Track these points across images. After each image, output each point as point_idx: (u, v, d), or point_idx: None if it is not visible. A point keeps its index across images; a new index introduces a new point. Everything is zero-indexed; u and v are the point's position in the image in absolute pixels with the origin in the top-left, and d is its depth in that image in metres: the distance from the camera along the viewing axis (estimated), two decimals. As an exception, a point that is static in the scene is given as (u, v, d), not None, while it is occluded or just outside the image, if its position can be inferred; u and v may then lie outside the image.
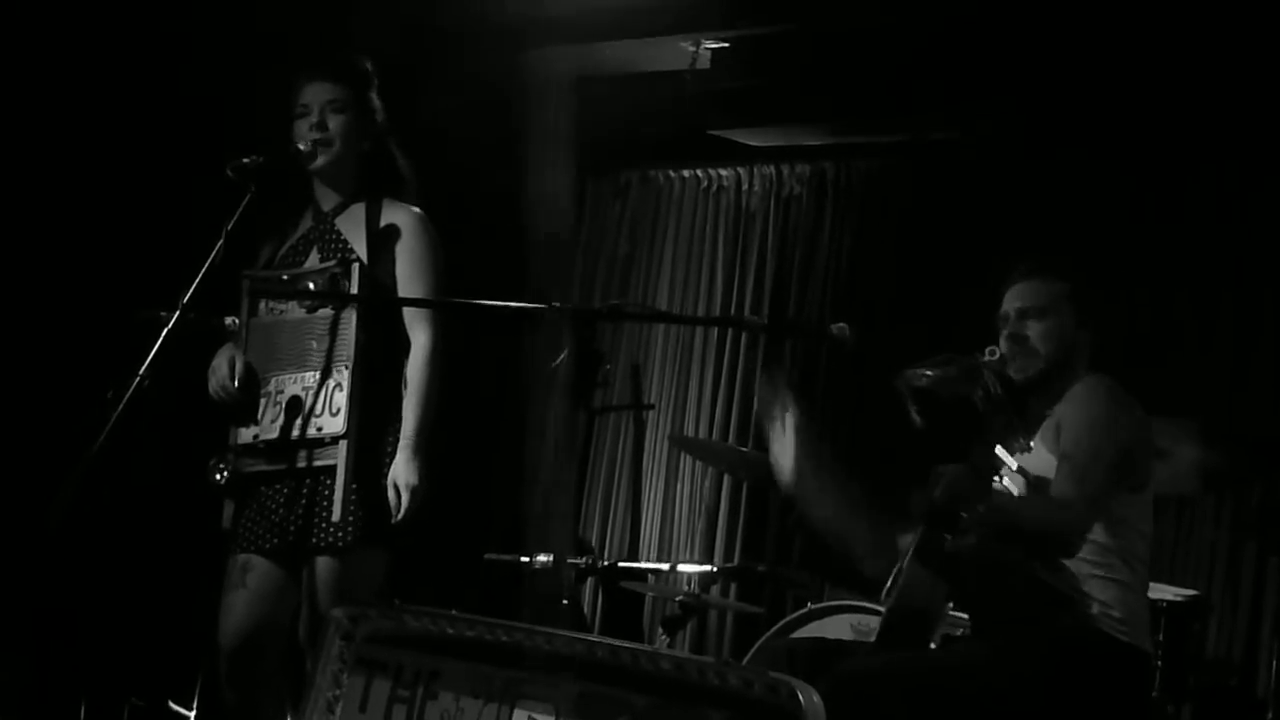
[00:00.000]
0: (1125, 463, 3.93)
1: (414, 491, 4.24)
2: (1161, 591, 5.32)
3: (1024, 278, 4.22)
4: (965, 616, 4.42)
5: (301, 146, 4.40)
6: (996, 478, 3.77)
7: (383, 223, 4.43)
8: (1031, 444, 3.91)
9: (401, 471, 4.26)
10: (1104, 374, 4.11)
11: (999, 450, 3.73)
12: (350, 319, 4.30)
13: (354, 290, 4.30)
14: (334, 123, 4.43)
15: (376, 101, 4.55)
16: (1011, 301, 4.20)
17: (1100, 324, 4.23)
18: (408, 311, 4.39)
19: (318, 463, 4.26)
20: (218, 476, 4.31)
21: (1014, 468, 3.75)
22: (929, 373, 3.88)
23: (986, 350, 3.97)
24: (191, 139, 5.93)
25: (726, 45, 6.94)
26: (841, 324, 3.90)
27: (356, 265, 4.30)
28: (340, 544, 4.21)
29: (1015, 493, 3.82)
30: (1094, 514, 3.86)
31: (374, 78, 4.56)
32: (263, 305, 4.43)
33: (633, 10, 6.75)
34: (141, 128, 6.29)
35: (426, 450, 4.30)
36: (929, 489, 3.80)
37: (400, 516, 4.24)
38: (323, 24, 6.12)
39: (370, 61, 4.57)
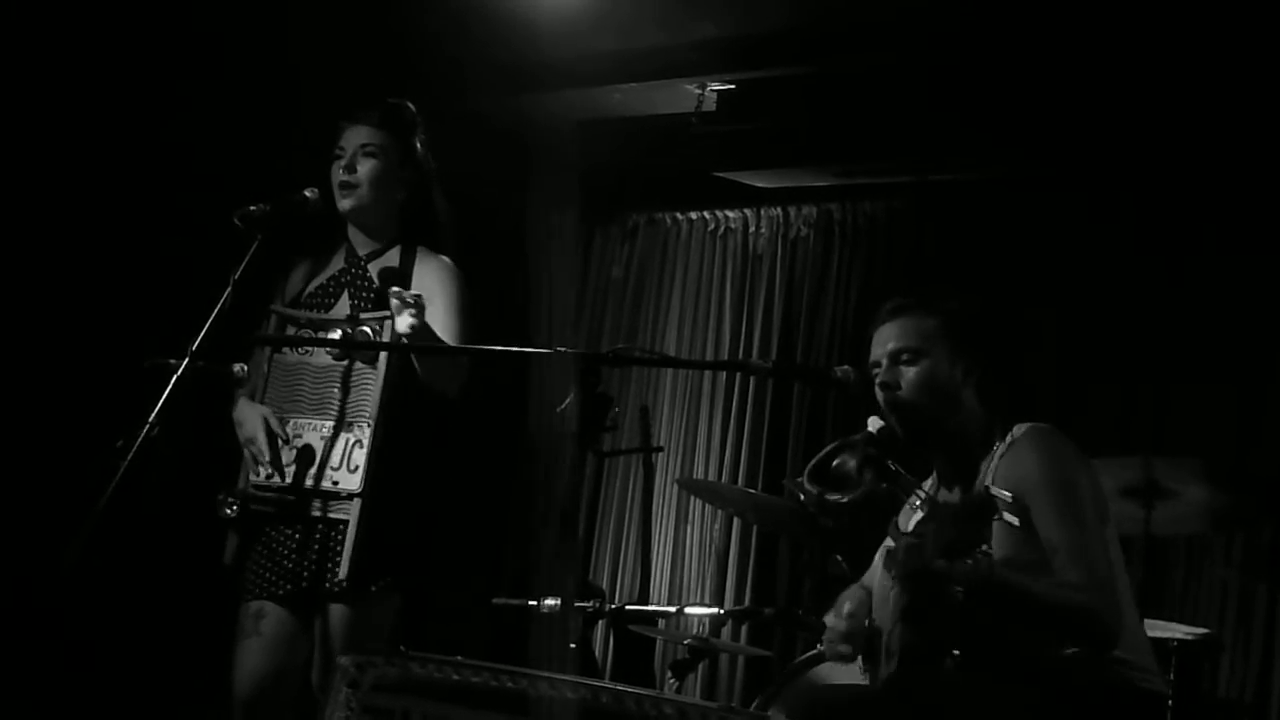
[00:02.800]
0: (1100, 513, 3.73)
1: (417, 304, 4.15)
2: (1173, 630, 5.31)
3: (891, 317, 3.92)
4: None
5: (308, 194, 4.41)
6: (995, 517, 3.53)
7: (416, 273, 4.44)
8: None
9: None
10: (1034, 424, 3.81)
11: (993, 489, 3.54)
12: (376, 375, 4.30)
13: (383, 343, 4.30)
14: (364, 167, 4.44)
15: (420, 148, 4.55)
16: (880, 346, 3.89)
17: (982, 357, 3.89)
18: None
19: (331, 515, 4.26)
20: (227, 510, 4.32)
21: (1009, 499, 3.54)
22: (839, 497, 3.54)
23: (869, 423, 3.72)
24: (201, 185, 5.95)
25: (732, 88, 6.97)
26: (847, 367, 3.87)
27: (387, 322, 4.28)
28: (355, 592, 4.21)
29: (1015, 523, 3.57)
30: (1113, 594, 3.63)
31: (417, 124, 4.57)
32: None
33: (638, 54, 6.78)
34: (151, 175, 6.31)
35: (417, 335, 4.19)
36: (896, 551, 3.55)
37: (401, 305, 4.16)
38: (330, 68, 6.15)
39: (414, 108, 4.58)
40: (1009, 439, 3.79)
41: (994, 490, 3.52)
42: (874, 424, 3.74)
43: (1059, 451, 3.74)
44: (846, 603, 3.94)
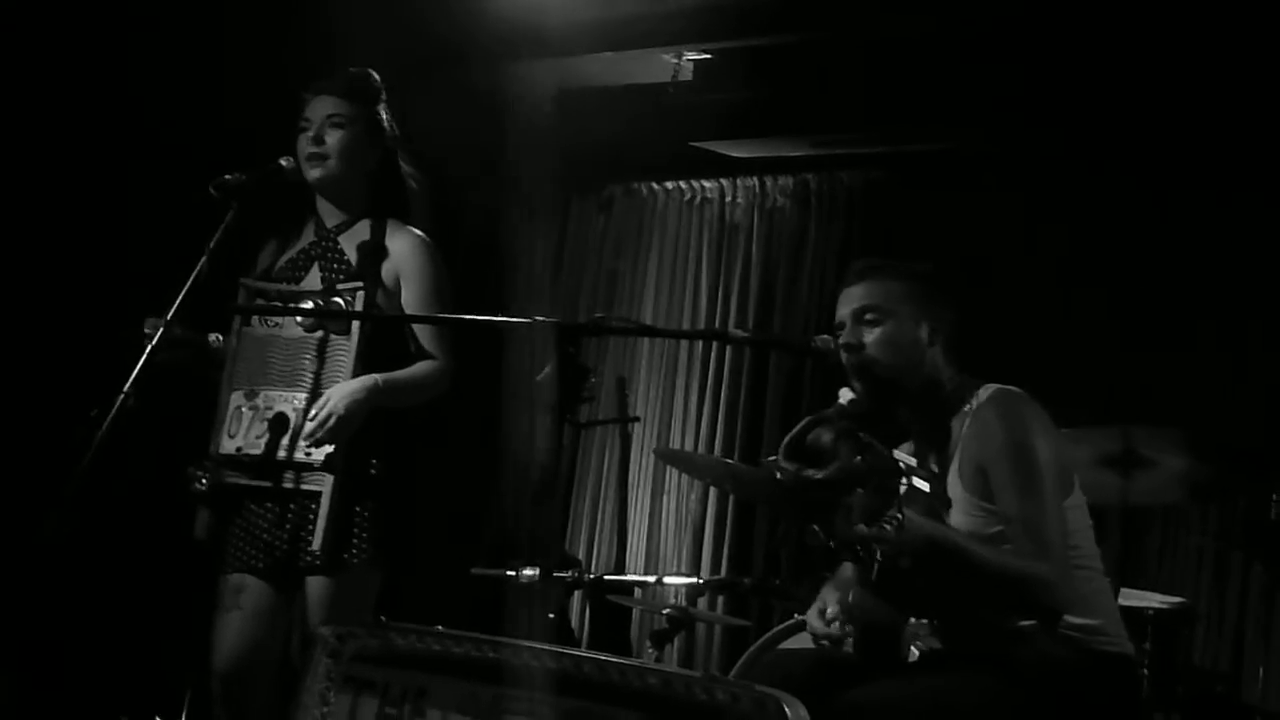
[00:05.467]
0: (1062, 484, 3.73)
1: (334, 417, 4.17)
2: (1149, 599, 5.33)
3: (858, 279, 3.90)
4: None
5: (284, 162, 4.40)
6: (904, 481, 3.52)
7: (387, 244, 4.42)
8: (935, 468, 3.72)
9: (339, 389, 4.21)
10: (1000, 387, 3.81)
11: (897, 453, 3.54)
12: (349, 345, 4.28)
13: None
14: (331, 138, 4.41)
15: (385, 118, 4.52)
16: (846, 305, 3.88)
17: (947, 323, 3.88)
18: (422, 334, 4.38)
19: (305, 486, 4.24)
20: (197, 485, 4.30)
21: (913, 463, 3.56)
22: (816, 474, 3.49)
23: (840, 394, 3.71)
24: (177, 154, 5.92)
25: (709, 57, 6.95)
26: (825, 336, 3.87)
27: (361, 292, 4.28)
28: (333, 564, 4.20)
29: (926, 488, 3.59)
30: (1065, 565, 3.63)
31: (382, 93, 4.54)
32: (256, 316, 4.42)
33: (615, 23, 6.75)
34: (126, 144, 6.28)
35: (376, 407, 4.24)
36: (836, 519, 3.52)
37: (307, 435, 4.19)
38: (310, 38, 6.11)
39: (379, 77, 4.55)
40: (974, 401, 3.79)
41: (899, 454, 3.53)
42: (845, 396, 3.74)
43: (1021, 418, 3.73)
44: (829, 605, 3.95)
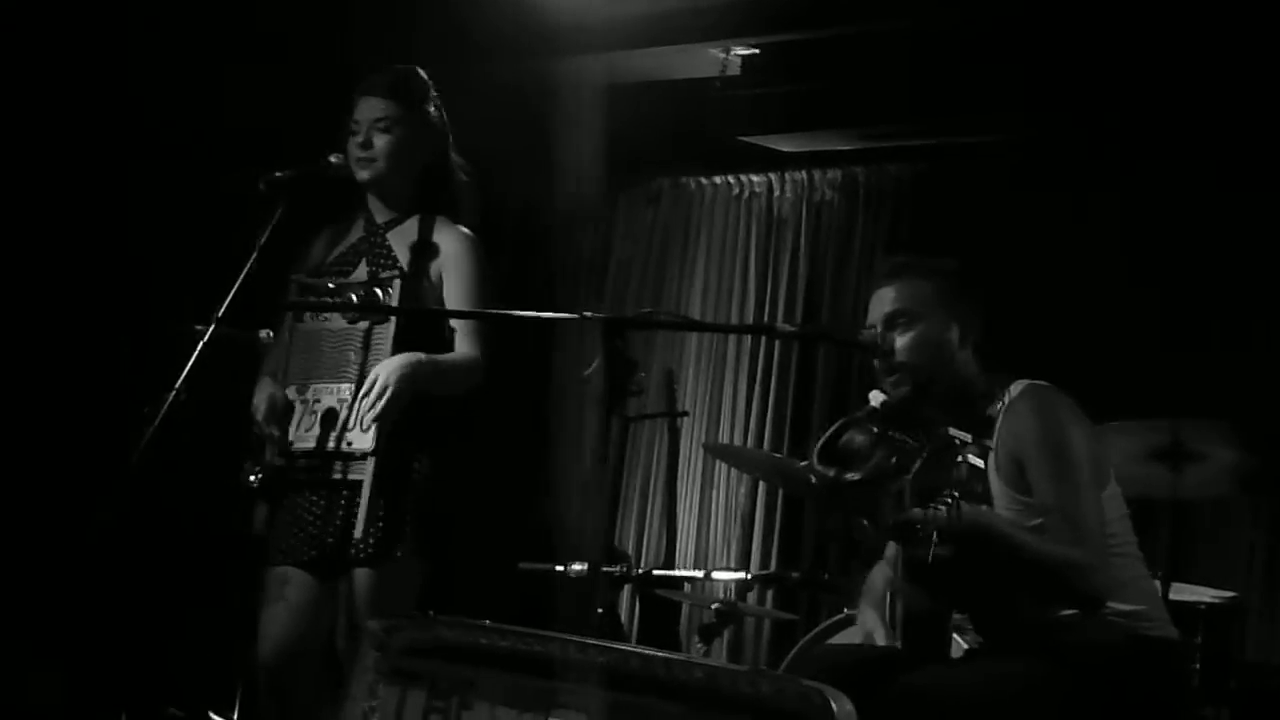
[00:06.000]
0: (1097, 474, 3.76)
1: (388, 391, 4.18)
2: (1199, 594, 5.31)
3: (888, 280, 3.93)
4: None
5: (333, 159, 4.43)
6: (960, 459, 3.50)
7: (434, 242, 4.44)
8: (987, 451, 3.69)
9: (386, 365, 4.22)
10: (1031, 382, 3.83)
11: (953, 430, 3.52)
12: (387, 334, 4.31)
13: (395, 305, 4.31)
14: (380, 142, 4.43)
15: (434, 116, 4.54)
16: (877, 308, 3.91)
17: (976, 323, 3.91)
18: (458, 328, 4.40)
19: (351, 476, 4.27)
20: (251, 478, 4.32)
21: (968, 439, 3.52)
22: (850, 475, 3.57)
23: (870, 397, 3.75)
24: (228, 152, 5.96)
25: (756, 52, 6.95)
26: (872, 327, 3.89)
27: (398, 281, 4.31)
28: (378, 556, 4.22)
29: (981, 466, 3.58)
30: (1104, 554, 3.67)
31: (430, 90, 4.55)
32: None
33: (662, 17, 6.76)
34: (179, 142, 6.33)
35: (420, 395, 4.26)
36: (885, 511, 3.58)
37: (367, 414, 4.20)
38: (362, 36, 6.15)
39: (427, 74, 4.57)
40: (1007, 398, 3.81)
41: (953, 431, 3.52)
42: (875, 398, 3.77)
43: (1054, 410, 3.76)
44: (872, 601, 3.97)
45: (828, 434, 3.60)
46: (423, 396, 4.29)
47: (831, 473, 3.51)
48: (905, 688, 3.56)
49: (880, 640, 4.02)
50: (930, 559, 3.52)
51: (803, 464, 3.64)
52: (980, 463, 3.57)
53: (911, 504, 3.48)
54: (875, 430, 3.58)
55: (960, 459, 3.50)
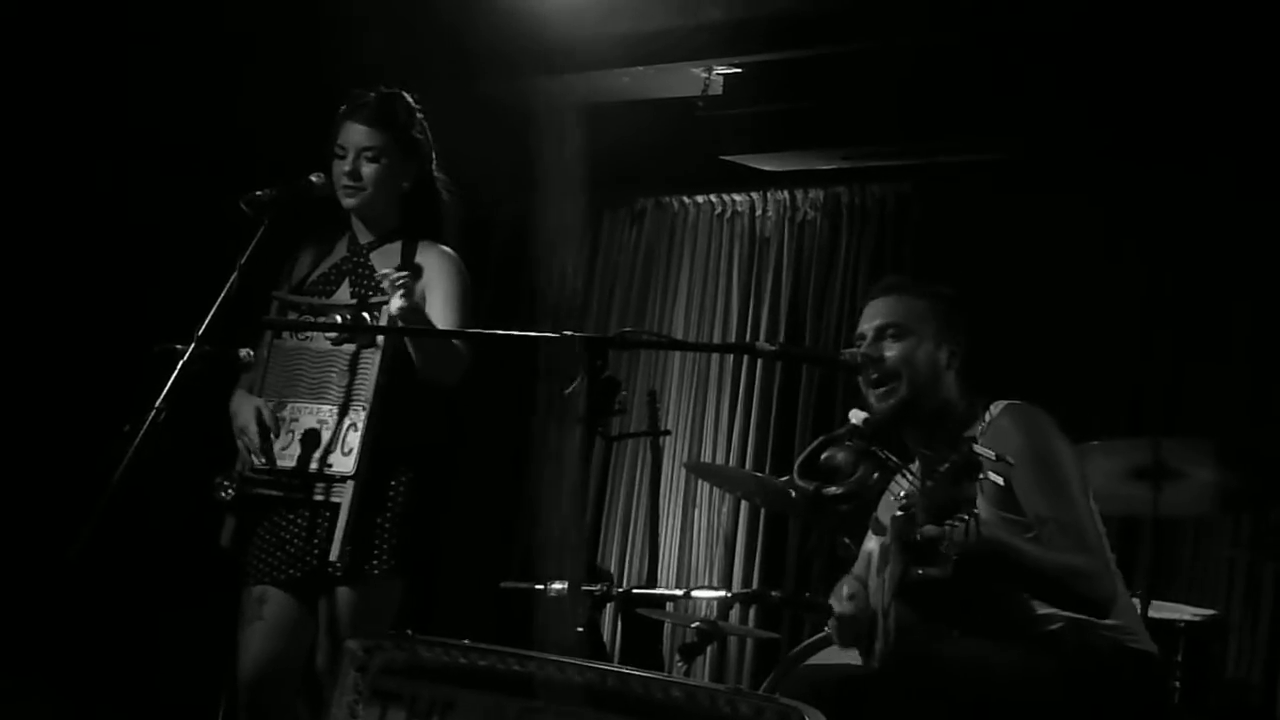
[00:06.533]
0: (1084, 487, 3.77)
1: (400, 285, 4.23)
2: (1180, 611, 5.32)
3: (883, 294, 3.98)
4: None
5: (314, 178, 4.43)
6: (982, 475, 3.46)
7: (417, 264, 4.45)
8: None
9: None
10: (1011, 401, 3.85)
11: (976, 447, 3.48)
12: (373, 359, 4.32)
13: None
14: (367, 170, 4.45)
15: (419, 139, 4.55)
16: (869, 319, 3.96)
17: (964, 348, 3.94)
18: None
19: (334, 499, 4.27)
20: (223, 494, 4.33)
21: (992, 456, 3.47)
22: (830, 489, 3.64)
23: (851, 415, 3.75)
24: (207, 172, 5.96)
25: (739, 71, 6.95)
26: (853, 349, 3.90)
27: (385, 309, 4.31)
28: (358, 575, 4.23)
29: (1002, 484, 3.53)
30: (1105, 559, 3.70)
31: (415, 114, 4.56)
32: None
33: (644, 37, 6.77)
34: (158, 161, 6.32)
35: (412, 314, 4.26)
36: (896, 525, 3.55)
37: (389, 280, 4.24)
38: (338, 53, 6.15)
39: (412, 98, 4.57)
40: (988, 417, 3.82)
41: (978, 449, 3.49)
42: (856, 416, 3.77)
43: (1039, 426, 3.77)
44: (845, 587, 3.97)
45: (808, 450, 3.62)
46: (407, 431, 4.31)
47: (812, 487, 3.52)
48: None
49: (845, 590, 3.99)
50: (949, 573, 3.50)
51: (783, 479, 3.64)
52: (1001, 480, 3.54)
53: (924, 521, 3.46)
54: (856, 447, 3.59)
55: (983, 475, 3.47)
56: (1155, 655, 3.82)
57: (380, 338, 4.31)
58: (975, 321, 3.99)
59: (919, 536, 3.47)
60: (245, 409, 4.37)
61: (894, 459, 3.53)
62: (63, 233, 6.22)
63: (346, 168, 4.44)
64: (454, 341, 4.39)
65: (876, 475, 3.48)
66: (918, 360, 3.87)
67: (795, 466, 3.64)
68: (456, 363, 4.39)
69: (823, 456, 3.57)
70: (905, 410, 3.85)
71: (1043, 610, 3.70)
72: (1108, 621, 3.70)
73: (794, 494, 3.57)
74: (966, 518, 3.42)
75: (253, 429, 4.32)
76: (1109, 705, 3.65)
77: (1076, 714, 3.63)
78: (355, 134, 4.46)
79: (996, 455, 3.53)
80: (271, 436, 4.32)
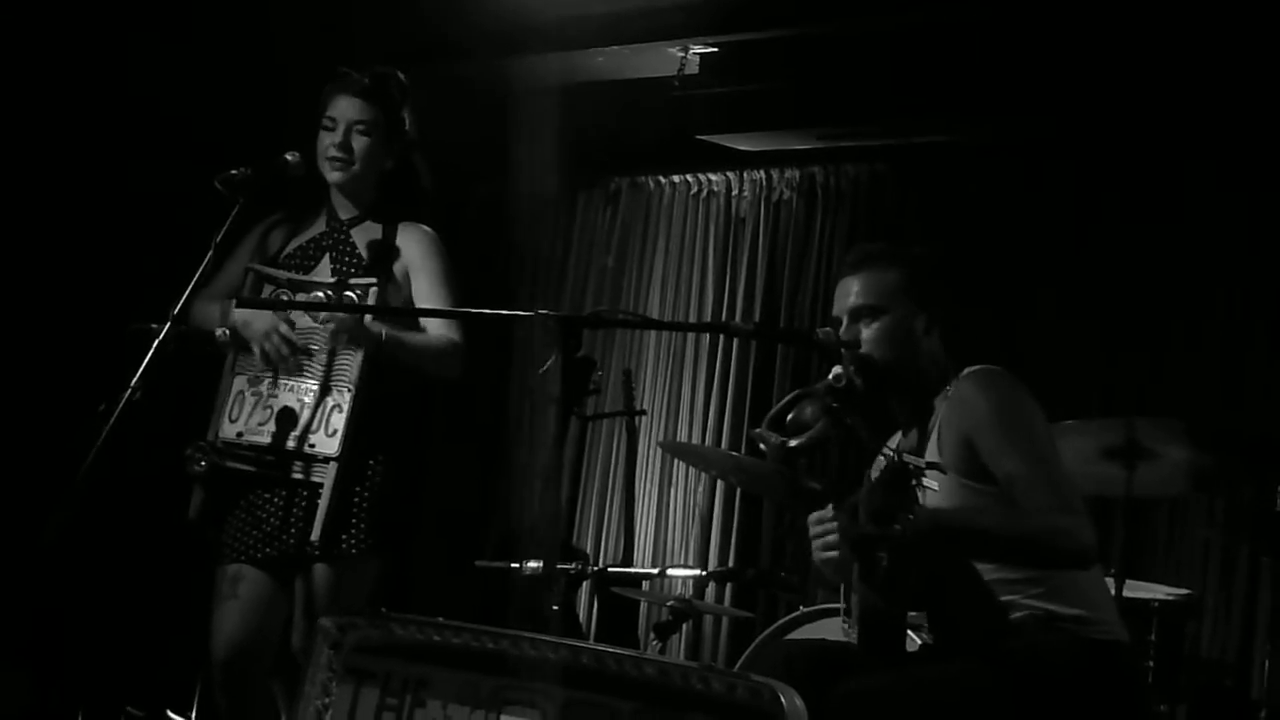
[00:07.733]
0: (1054, 446, 3.68)
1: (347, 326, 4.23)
2: (1154, 591, 5.34)
3: (852, 271, 3.86)
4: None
5: (289, 157, 4.41)
6: (914, 482, 3.47)
7: (398, 243, 4.44)
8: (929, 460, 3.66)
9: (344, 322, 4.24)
10: (981, 366, 3.76)
11: (908, 456, 3.51)
12: None
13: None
14: (358, 144, 4.43)
15: (406, 118, 4.54)
16: (841, 302, 3.85)
17: (945, 313, 3.86)
18: (435, 321, 4.40)
19: (314, 479, 4.26)
20: (195, 467, 4.30)
21: (922, 464, 3.53)
22: (793, 441, 3.57)
23: (831, 374, 3.69)
24: (183, 150, 5.94)
25: (715, 50, 6.95)
26: (828, 329, 3.89)
27: (374, 290, 4.30)
28: (335, 554, 4.23)
29: (935, 488, 3.57)
30: (1082, 511, 3.57)
31: (407, 95, 4.55)
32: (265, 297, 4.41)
33: (620, 16, 6.76)
34: (132, 140, 6.31)
35: (382, 351, 4.27)
36: (841, 521, 3.55)
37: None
38: (314, 34, 6.14)
39: (403, 77, 4.55)
40: (955, 382, 3.76)
41: (907, 458, 3.49)
42: (837, 373, 3.72)
43: (1001, 387, 3.70)
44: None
45: (781, 403, 3.63)
46: (390, 388, 4.30)
47: (775, 439, 3.54)
48: (849, 692, 3.54)
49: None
50: (881, 578, 3.52)
51: (755, 430, 3.64)
52: (935, 486, 3.56)
53: (865, 521, 3.46)
54: (827, 405, 3.60)
55: (915, 483, 3.48)
56: (1123, 644, 3.72)
57: (366, 318, 4.30)
58: (953, 280, 3.95)
59: (859, 535, 3.48)
60: (261, 317, 4.30)
61: (862, 425, 3.54)
62: (36, 213, 6.20)
63: (337, 139, 4.42)
64: (449, 336, 4.38)
65: (836, 431, 3.49)
66: (894, 338, 3.79)
67: (766, 419, 3.64)
68: (453, 357, 4.39)
69: (792, 412, 3.58)
70: (883, 382, 3.80)
71: (1005, 597, 3.65)
72: (1071, 612, 3.63)
73: (760, 445, 3.57)
74: (904, 519, 3.39)
75: (283, 331, 4.27)
76: (1074, 702, 3.57)
77: (1040, 715, 3.56)
78: (348, 107, 4.44)
79: (927, 463, 3.55)
80: (266, 387, 4.31)
